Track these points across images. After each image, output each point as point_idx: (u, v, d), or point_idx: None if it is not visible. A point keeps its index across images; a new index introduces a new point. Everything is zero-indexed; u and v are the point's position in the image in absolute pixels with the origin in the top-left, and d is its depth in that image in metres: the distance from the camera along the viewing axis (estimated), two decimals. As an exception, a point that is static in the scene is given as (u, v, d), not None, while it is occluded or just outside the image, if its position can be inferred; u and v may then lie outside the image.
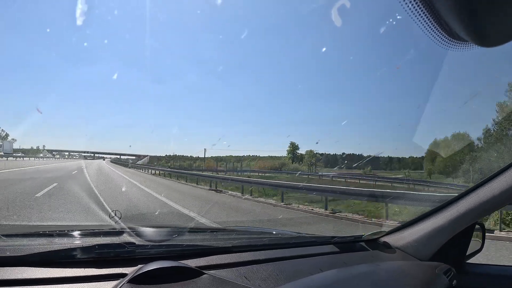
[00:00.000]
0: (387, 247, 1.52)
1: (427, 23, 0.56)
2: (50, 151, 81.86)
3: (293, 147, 58.39)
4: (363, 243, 1.56)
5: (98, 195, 8.41)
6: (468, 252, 1.43)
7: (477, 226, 1.44)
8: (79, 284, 0.91)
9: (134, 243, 1.14)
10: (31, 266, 0.94)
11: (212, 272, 1.03)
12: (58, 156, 79.51)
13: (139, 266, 0.98)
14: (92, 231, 1.40)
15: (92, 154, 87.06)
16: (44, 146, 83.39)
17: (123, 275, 0.96)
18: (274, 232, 1.92)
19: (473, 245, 1.45)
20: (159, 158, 74.65)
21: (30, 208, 6.16)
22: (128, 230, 1.30)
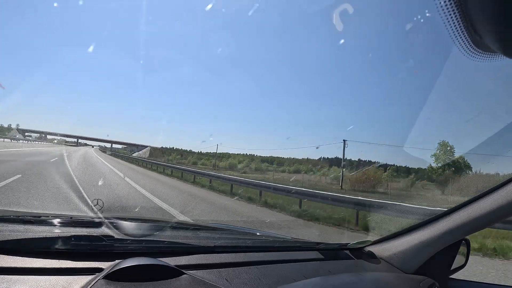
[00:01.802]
0: (372, 257, 1.51)
1: (457, 28, 0.54)
2: (22, 131, 66.94)
3: (446, 149, 32.07)
4: (348, 252, 1.54)
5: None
6: (452, 267, 1.43)
7: (462, 242, 1.44)
8: (52, 276, 0.86)
9: (113, 237, 1.10)
10: (2, 254, 0.90)
11: (192, 272, 1.00)
12: (30, 138, 63.58)
13: (117, 261, 0.95)
14: (70, 220, 1.35)
15: (76, 140, 73.87)
16: (18, 125, 68.37)
17: (99, 270, 0.92)
18: (258, 234, 1.89)
19: (458, 260, 1.44)
20: (162, 151, 64.02)
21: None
22: (107, 222, 1.26)
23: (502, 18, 0.49)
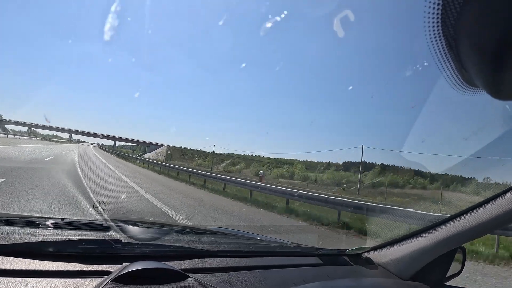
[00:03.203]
0: (369, 263, 1.54)
1: (448, 67, 0.58)
2: (2, 123, 53.05)
3: None
4: (346, 257, 1.58)
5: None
6: (448, 274, 1.46)
7: (458, 250, 1.47)
8: (62, 279, 0.89)
9: (120, 241, 1.13)
10: (13, 256, 0.93)
11: (196, 276, 1.04)
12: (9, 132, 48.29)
13: (124, 264, 0.98)
14: (77, 223, 1.38)
15: (69, 135, 60.75)
16: (1, 115, 55.38)
17: (107, 273, 0.95)
18: (259, 238, 1.93)
19: (453, 267, 1.47)
20: (183, 152, 50.03)
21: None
22: (114, 225, 1.30)
23: (488, 63, 0.54)
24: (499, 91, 0.57)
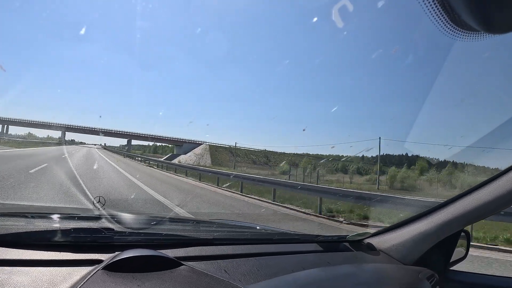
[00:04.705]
0: (371, 249, 1.51)
1: (434, 10, 0.53)
2: None
3: None
4: (347, 244, 1.55)
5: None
6: (452, 259, 1.43)
7: (462, 234, 1.44)
8: (52, 267, 0.88)
9: (112, 229, 1.11)
10: (3, 247, 0.91)
11: (190, 263, 1.01)
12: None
13: (116, 253, 0.96)
14: (70, 215, 1.37)
15: (61, 133, 46.12)
16: None
17: (98, 261, 0.93)
18: (257, 228, 1.90)
19: (457, 252, 1.45)
20: (233, 152, 34.86)
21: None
22: (107, 215, 1.27)
23: None
24: (493, 22, 0.52)
